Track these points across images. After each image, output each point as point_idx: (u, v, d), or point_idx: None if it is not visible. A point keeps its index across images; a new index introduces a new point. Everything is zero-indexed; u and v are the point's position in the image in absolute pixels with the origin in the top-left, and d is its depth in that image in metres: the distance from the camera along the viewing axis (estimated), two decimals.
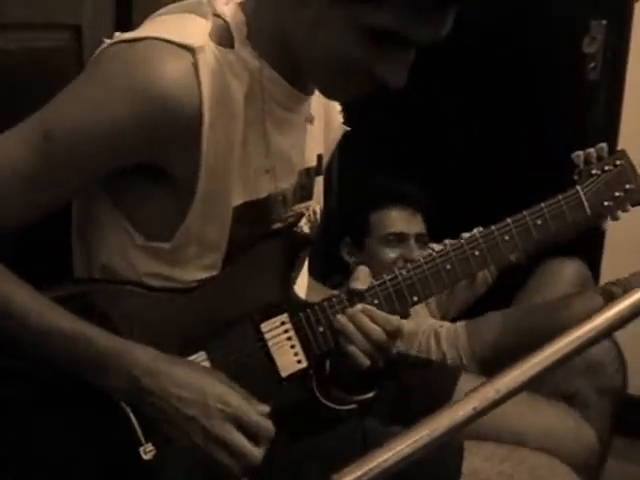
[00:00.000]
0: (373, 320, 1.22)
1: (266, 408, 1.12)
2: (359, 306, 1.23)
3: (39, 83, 1.35)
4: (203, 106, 1.08)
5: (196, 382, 1.10)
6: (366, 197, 2.08)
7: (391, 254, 2.00)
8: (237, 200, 1.18)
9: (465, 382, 1.55)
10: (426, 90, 2.16)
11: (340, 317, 1.23)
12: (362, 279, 1.25)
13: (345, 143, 1.44)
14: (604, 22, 2.30)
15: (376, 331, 1.21)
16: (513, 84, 2.40)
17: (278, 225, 1.25)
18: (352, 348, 1.21)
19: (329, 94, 1.21)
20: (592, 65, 2.29)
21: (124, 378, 1.09)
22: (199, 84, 1.08)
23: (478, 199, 2.29)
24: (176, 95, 1.06)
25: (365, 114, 1.53)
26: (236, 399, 1.10)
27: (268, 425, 1.11)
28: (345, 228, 2.09)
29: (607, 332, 0.85)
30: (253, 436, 1.10)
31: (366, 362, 1.21)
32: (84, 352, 1.09)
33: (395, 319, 1.23)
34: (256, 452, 1.10)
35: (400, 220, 2.02)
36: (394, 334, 1.23)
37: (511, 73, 2.39)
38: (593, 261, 2.31)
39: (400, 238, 2.01)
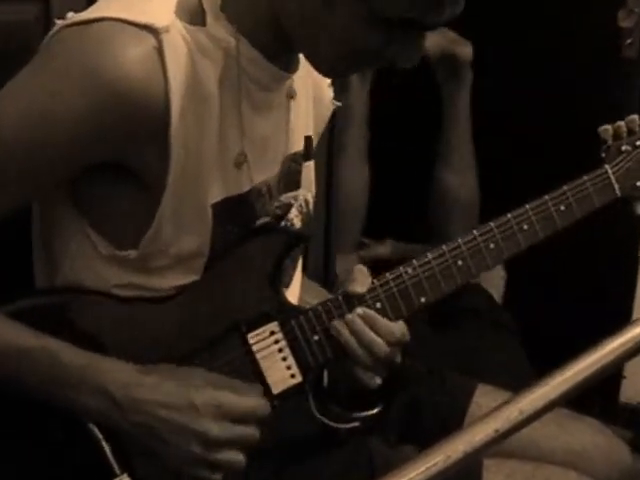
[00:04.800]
0: (374, 329, 1.19)
1: (257, 387, 1.16)
2: (359, 310, 1.19)
3: (3, 61, 1.33)
4: (170, 95, 1.06)
5: (179, 388, 1.10)
6: None
7: None
8: (216, 196, 1.16)
9: (481, 396, 1.52)
10: None
11: (337, 323, 1.19)
12: (360, 280, 1.21)
13: None
14: None
15: (377, 343, 1.18)
16: (539, 64, 2.38)
17: (264, 219, 1.23)
18: (349, 361, 1.19)
19: (327, 74, 1.22)
20: (628, 42, 2.26)
21: (97, 396, 1.08)
22: (164, 70, 1.06)
23: (498, 186, 2.27)
24: (137, 84, 1.05)
25: None
26: (224, 396, 1.11)
27: (262, 405, 1.14)
28: None
29: None
30: (250, 422, 1.13)
31: (366, 377, 1.19)
32: (48, 369, 1.08)
33: (399, 328, 1.20)
34: (255, 436, 1.13)
35: None
36: (398, 343, 1.20)
37: (538, 52, 2.38)
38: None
39: None
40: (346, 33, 1.07)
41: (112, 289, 1.16)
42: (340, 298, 1.22)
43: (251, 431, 1.12)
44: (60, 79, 1.06)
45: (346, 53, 1.10)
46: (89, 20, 1.06)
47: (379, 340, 1.18)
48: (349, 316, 1.20)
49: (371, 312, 1.20)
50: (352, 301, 1.21)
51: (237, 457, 1.11)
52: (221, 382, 1.13)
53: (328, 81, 1.38)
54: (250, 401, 1.13)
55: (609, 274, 2.26)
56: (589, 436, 1.54)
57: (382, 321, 1.20)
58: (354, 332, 1.19)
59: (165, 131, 1.08)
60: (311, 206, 1.33)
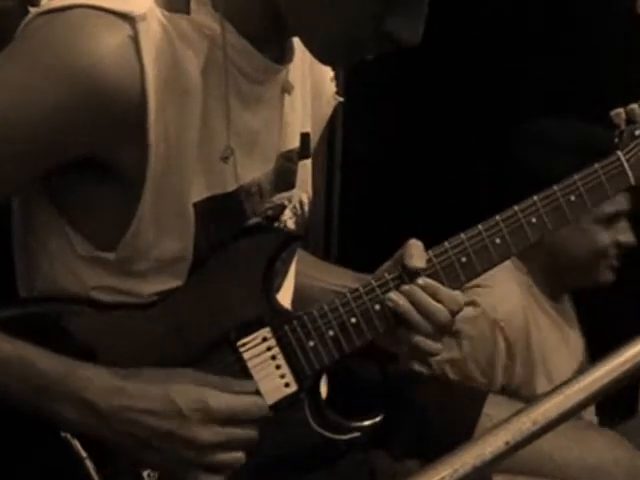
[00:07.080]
0: (436, 298, 1.19)
1: (251, 385, 1.16)
2: (419, 281, 1.20)
3: None
4: (146, 87, 1.06)
5: (163, 392, 1.10)
6: None
7: None
8: (199, 195, 1.14)
9: (492, 406, 1.51)
10: (464, 47, 2.31)
11: (393, 294, 1.20)
12: (417, 255, 1.21)
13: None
14: None
15: (440, 311, 1.19)
16: (556, 50, 2.39)
17: (255, 220, 1.22)
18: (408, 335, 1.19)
19: (328, 60, 1.20)
20: None
21: (77, 405, 1.07)
22: (140, 61, 1.05)
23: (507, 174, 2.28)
24: (110, 73, 1.04)
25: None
26: (212, 396, 1.11)
27: (256, 403, 1.15)
28: None
29: None
30: (244, 423, 1.13)
31: (430, 347, 1.19)
32: (25, 378, 1.07)
33: (460, 296, 1.21)
34: (252, 434, 1.13)
35: None
36: (459, 311, 1.22)
37: (554, 38, 2.39)
38: None
39: None
40: (340, 3, 1.07)
41: (91, 292, 1.15)
42: (337, 302, 1.20)
43: (245, 431, 1.12)
44: (32, 68, 1.06)
45: (341, 28, 1.09)
46: (63, 7, 1.06)
47: (441, 307, 1.19)
48: (407, 287, 1.20)
49: (432, 281, 1.21)
50: (350, 306, 1.20)
51: (234, 456, 1.11)
52: (211, 381, 1.12)
53: (330, 75, 1.38)
54: (241, 400, 1.13)
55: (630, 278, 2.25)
56: (608, 450, 1.51)
57: (444, 289, 1.21)
58: (414, 301, 1.19)
59: (142, 124, 1.07)
60: (306, 208, 1.32)
